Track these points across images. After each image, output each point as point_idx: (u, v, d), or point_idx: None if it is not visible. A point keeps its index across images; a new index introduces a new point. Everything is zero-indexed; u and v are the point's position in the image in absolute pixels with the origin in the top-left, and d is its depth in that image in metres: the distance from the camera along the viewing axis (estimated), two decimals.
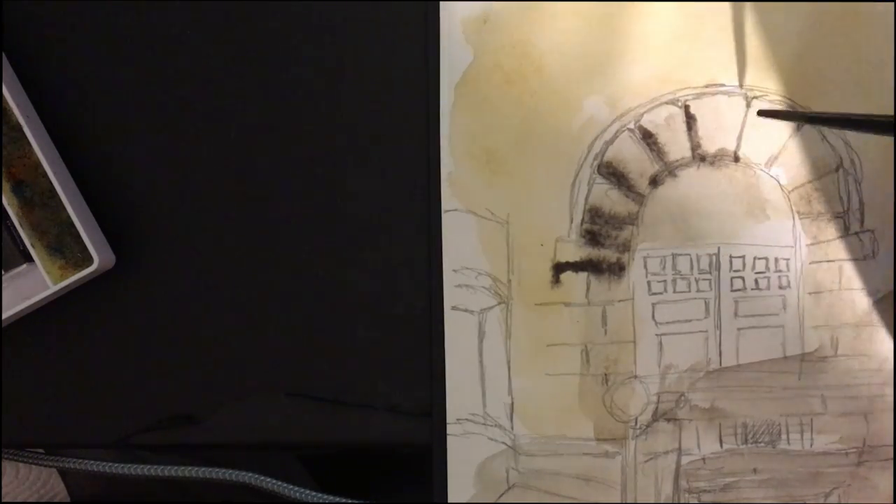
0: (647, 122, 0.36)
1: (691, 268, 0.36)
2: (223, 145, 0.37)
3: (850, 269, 0.35)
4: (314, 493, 0.36)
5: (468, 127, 0.36)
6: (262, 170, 0.37)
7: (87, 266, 0.35)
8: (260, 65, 0.37)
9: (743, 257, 0.35)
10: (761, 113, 0.34)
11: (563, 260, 0.36)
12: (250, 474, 0.36)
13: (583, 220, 0.36)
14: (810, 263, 0.35)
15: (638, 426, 0.36)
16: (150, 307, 0.37)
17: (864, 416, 0.35)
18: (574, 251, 0.36)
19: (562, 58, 0.36)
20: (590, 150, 0.36)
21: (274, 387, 0.37)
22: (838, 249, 0.35)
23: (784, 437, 0.35)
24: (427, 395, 0.36)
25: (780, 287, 0.35)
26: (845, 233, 0.35)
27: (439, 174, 0.36)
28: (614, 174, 0.36)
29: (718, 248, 0.35)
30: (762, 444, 0.35)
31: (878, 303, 0.35)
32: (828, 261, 0.35)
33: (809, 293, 0.35)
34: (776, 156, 0.35)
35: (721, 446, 0.35)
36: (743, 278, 0.35)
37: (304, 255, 0.37)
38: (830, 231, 0.35)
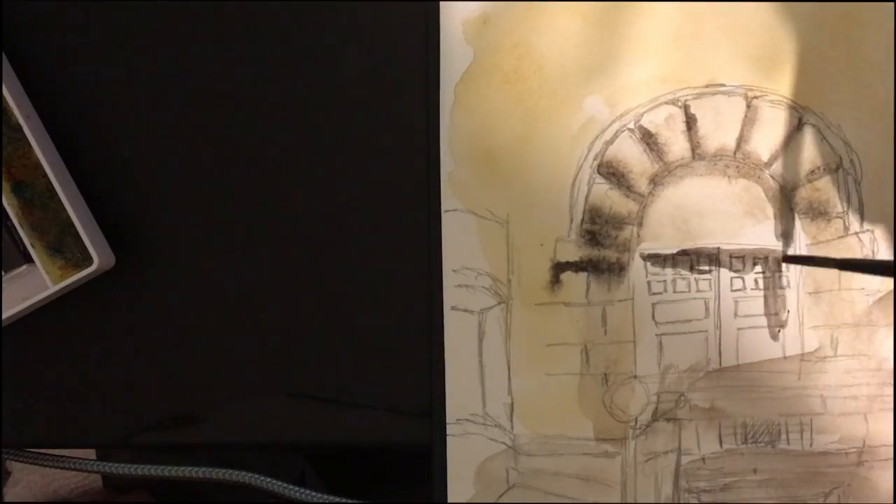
0: (647, 122, 0.36)
1: (691, 268, 0.36)
2: (223, 145, 0.37)
3: None
4: (314, 493, 0.36)
5: (468, 127, 0.36)
6: (261, 170, 0.37)
7: (87, 266, 0.35)
8: (260, 65, 0.37)
9: (743, 257, 0.35)
10: (787, 259, 0.35)
11: (563, 260, 0.36)
12: (250, 474, 0.36)
13: (583, 220, 0.36)
14: None
15: (638, 426, 0.36)
16: (150, 307, 0.37)
17: (863, 416, 0.35)
18: (574, 251, 0.36)
19: (562, 58, 0.36)
20: (590, 150, 0.36)
21: (274, 387, 0.37)
22: (838, 249, 0.35)
23: (784, 437, 0.35)
24: (427, 395, 0.36)
25: (780, 287, 0.35)
26: (845, 233, 0.35)
27: (439, 174, 0.36)
28: (614, 174, 0.36)
29: (718, 248, 0.35)
30: (762, 444, 0.35)
31: (877, 303, 0.35)
32: None
33: (809, 293, 0.35)
34: (776, 156, 0.35)
35: (721, 446, 0.35)
36: (743, 278, 0.35)
37: (304, 255, 0.37)
38: (830, 231, 0.35)
